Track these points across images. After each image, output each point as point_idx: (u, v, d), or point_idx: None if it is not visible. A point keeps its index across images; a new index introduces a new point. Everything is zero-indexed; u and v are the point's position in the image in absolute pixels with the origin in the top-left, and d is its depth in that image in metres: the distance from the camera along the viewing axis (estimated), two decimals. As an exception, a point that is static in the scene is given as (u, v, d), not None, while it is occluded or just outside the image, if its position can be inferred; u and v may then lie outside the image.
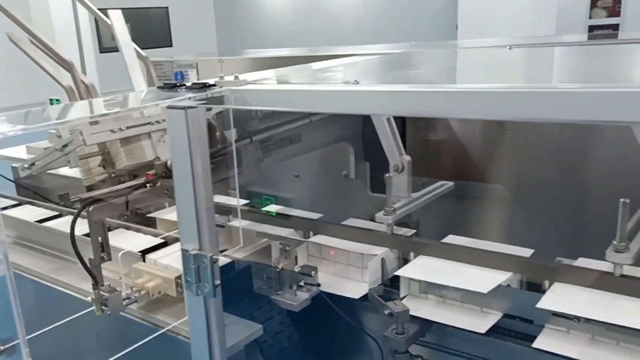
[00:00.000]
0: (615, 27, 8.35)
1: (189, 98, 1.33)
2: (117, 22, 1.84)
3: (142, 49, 1.98)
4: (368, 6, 9.72)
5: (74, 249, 1.46)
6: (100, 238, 1.52)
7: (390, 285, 1.54)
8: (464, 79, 1.67)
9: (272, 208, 1.93)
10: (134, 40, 1.90)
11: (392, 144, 1.61)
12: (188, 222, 1.13)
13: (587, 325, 1.22)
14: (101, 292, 1.42)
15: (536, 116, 0.99)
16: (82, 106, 1.63)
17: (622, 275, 1.22)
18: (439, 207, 1.98)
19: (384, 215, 1.55)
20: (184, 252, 1.17)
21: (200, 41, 10.34)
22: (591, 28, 8.39)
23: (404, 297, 1.47)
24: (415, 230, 1.62)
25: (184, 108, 1.05)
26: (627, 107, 0.87)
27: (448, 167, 2.17)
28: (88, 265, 1.48)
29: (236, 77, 1.45)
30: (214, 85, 1.43)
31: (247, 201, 1.97)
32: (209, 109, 1.24)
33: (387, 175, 1.55)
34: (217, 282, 1.18)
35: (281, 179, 2.48)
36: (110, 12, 1.87)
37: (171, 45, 10.13)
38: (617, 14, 8.37)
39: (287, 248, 1.59)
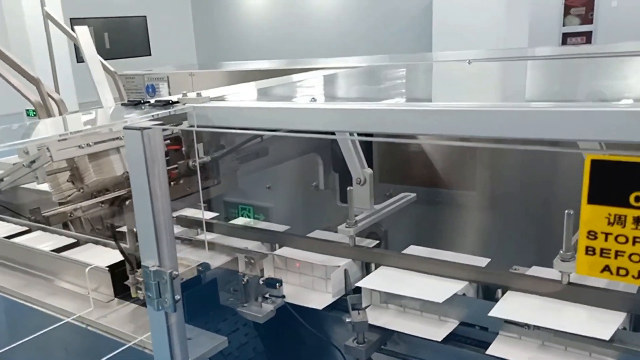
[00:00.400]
0: (589, 34, 8.54)
1: (152, 115, 1.36)
2: (83, 37, 1.86)
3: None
4: (348, 18, 9.84)
5: (114, 238, 1.60)
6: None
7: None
8: (421, 94, 1.72)
9: (240, 221, 1.96)
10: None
11: (353, 157, 1.65)
12: (147, 239, 1.16)
13: (537, 331, 1.27)
14: (137, 277, 1.54)
15: (480, 134, 1.03)
16: (48, 124, 1.65)
17: (569, 283, 1.28)
18: (406, 216, 2.02)
19: (346, 227, 1.59)
20: (144, 268, 1.19)
21: (179, 50, 10.30)
22: (565, 35, 8.57)
23: (366, 307, 1.51)
24: (377, 241, 1.66)
25: (139, 129, 1.08)
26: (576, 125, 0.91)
27: (415, 175, 2.22)
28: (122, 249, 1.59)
29: (199, 94, 1.47)
30: (177, 102, 1.46)
31: (215, 214, 2.00)
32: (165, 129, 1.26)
33: (349, 188, 1.59)
34: (178, 297, 1.20)
35: (253, 191, 2.51)
36: (76, 27, 1.89)
37: (150, 55, 10.08)
38: (590, 21, 8.55)
39: (252, 261, 1.62)
